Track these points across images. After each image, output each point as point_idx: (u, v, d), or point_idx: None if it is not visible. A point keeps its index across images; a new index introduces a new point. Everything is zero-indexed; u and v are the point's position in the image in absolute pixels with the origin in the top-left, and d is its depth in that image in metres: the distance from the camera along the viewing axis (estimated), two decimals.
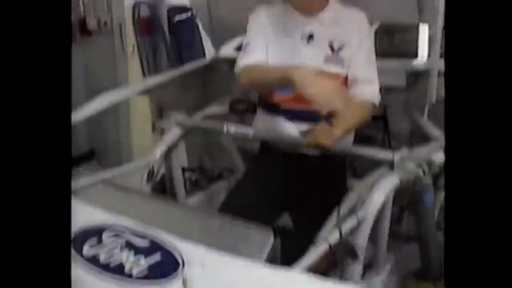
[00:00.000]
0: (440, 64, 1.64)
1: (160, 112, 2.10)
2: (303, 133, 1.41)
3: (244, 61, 1.49)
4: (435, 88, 1.68)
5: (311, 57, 1.47)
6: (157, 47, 4.17)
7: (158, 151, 1.60)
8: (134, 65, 3.81)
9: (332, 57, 1.47)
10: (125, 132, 3.53)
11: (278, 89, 1.48)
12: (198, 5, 2.15)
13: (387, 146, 1.94)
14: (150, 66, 4.10)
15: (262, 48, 1.50)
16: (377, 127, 1.93)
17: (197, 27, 4.56)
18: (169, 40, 4.20)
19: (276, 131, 1.54)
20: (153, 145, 1.63)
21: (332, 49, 1.47)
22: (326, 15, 1.49)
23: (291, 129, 1.51)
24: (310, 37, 1.48)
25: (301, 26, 1.49)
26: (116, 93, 1.88)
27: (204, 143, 2.19)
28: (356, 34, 1.47)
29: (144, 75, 4.02)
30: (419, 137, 1.92)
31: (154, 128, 4.22)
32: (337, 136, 1.35)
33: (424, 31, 2.03)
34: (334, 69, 1.47)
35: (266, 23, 1.53)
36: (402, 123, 1.93)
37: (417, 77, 1.85)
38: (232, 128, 1.58)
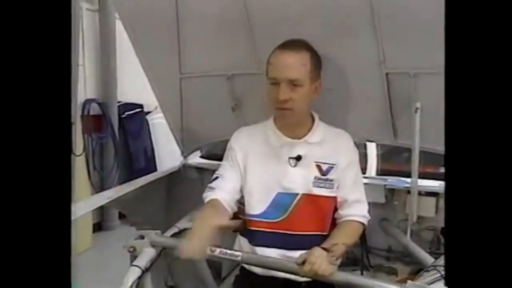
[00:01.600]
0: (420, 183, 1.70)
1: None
2: (299, 261, 1.30)
3: (207, 198, 1.41)
4: (415, 207, 1.71)
5: (299, 180, 1.43)
6: (105, 144, 4.04)
7: (130, 279, 1.40)
8: (81, 166, 3.61)
9: (321, 180, 1.44)
10: None
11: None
12: (171, 111, 2.08)
13: (366, 262, 1.88)
14: (96, 166, 3.92)
15: (229, 183, 1.43)
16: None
17: (147, 122, 4.57)
18: (118, 134, 4.12)
19: (260, 255, 1.43)
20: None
21: (320, 170, 1.45)
22: (313, 136, 1.47)
23: (273, 254, 1.42)
24: (298, 159, 1.44)
25: (288, 147, 1.45)
26: (78, 206, 1.69)
27: (168, 257, 1.99)
28: (344, 155, 1.47)
29: (89, 175, 3.81)
30: (396, 253, 1.92)
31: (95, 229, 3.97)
32: (336, 264, 1.28)
33: (372, 148, 2.14)
34: (323, 192, 1.44)
35: (247, 148, 1.47)
36: (380, 239, 1.91)
37: (393, 194, 1.88)
38: (216, 250, 1.43)
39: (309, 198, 1.41)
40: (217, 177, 1.46)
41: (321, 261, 1.26)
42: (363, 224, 1.46)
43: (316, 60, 1.42)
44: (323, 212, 1.42)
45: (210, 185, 1.45)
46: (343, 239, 1.39)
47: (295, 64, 1.36)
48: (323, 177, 1.44)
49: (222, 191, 1.42)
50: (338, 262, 1.46)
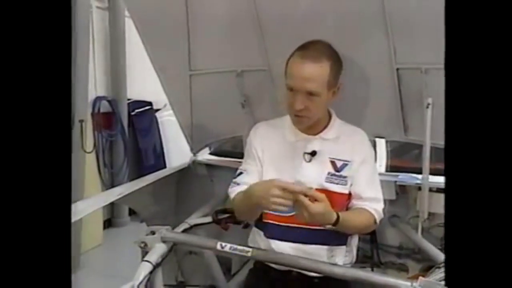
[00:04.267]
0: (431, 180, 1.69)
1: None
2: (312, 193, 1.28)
3: (233, 192, 1.47)
4: (426, 204, 1.70)
5: (313, 175, 1.44)
6: (115, 141, 4.07)
7: (142, 274, 1.41)
8: (91, 163, 3.64)
9: (335, 176, 1.44)
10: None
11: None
12: (180, 108, 2.09)
13: (376, 259, 1.88)
14: (106, 163, 3.96)
15: (254, 178, 1.47)
16: (365, 239, 1.88)
17: (156, 120, 4.60)
18: (127, 131, 4.16)
19: (273, 250, 1.44)
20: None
21: (334, 167, 1.44)
22: (329, 133, 1.47)
23: (287, 248, 1.43)
24: (313, 154, 1.45)
25: (304, 143, 1.46)
26: (89, 202, 1.72)
27: (178, 253, 2.01)
28: (358, 152, 1.46)
29: (100, 173, 3.85)
30: (407, 250, 1.91)
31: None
32: (332, 221, 1.30)
33: (381, 145, 2.13)
34: (336, 188, 1.43)
35: (264, 142, 1.50)
36: (390, 235, 1.90)
37: (404, 190, 1.86)
38: (226, 246, 1.44)
39: (322, 193, 1.41)
40: (241, 173, 1.51)
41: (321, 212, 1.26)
42: (374, 218, 1.43)
43: (336, 67, 1.39)
44: (336, 208, 1.41)
45: (234, 180, 1.50)
46: (350, 216, 1.40)
47: (313, 77, 1.33)
48: (336, 173, 1.44)
49: (247, 185, 1.44)
50: (351, 259, 1.48)
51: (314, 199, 1.26)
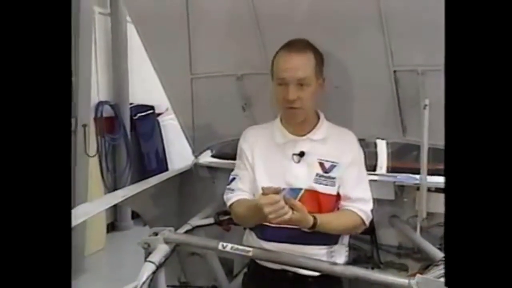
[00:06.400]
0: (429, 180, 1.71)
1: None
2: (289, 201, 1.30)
3: (230, 200, 1.51)
4: (424, 203, 1.72)
5: (301, 176, 1.46)
6: (117, 146, 4.10)
7: (145, 274, 1.44)
8: (93, 167, 3.67)
9: (323, 177, 1.46)
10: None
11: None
12: (182, 111, 2.13)
13: (376, 259, 1.90)
14: (109, 167, 3.99)
15: (246, 183, 1.51)
16: (365, 239, 1.91)
17: (158, 124, 4.63)
18: (130, 135, 4.19)
19: (270, 250, 1.46)
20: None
21: (323, 168, 1.47)
22: (317, 134, 1.50)
23: (278, 248, 1.44)
24: (301, 155, 1.47)
25: (292, 144, 1.49)
26: (93, 205, 1.74)
27: (181, 254, 2.03)
28: (347, 154, 1.48)
29: (102, 176, 3.88)
30: (407, 249, 1.92)
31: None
32: (308, 226, 1.34)
33: (382, 145, 2.16)
34: (324, 189, 1.45)
35: (254, 145, 1.53)
36: (390, 235, 1.92)
37: (403, 190, 1.89)
38: (228, 246, 1.47)
39: (312, 194, 1.43)
40: (234, 178, 1.54)
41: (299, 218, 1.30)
42: (361, 219, 1.44)
43: (319, 58, 1.45)
44: (325, 209, 1.44)
45: (228, 186, 1.53)
46: (331, 218, 1.42)
47: (302, 64, 1.40)
48: (325, 174, 1.46)
49: (242, 191, 1.50)
50: (342, 258, 1.50)
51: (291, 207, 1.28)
